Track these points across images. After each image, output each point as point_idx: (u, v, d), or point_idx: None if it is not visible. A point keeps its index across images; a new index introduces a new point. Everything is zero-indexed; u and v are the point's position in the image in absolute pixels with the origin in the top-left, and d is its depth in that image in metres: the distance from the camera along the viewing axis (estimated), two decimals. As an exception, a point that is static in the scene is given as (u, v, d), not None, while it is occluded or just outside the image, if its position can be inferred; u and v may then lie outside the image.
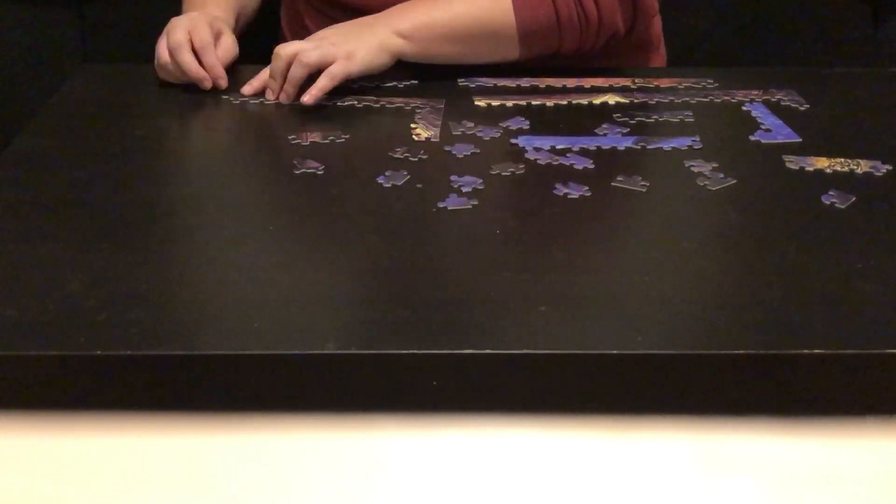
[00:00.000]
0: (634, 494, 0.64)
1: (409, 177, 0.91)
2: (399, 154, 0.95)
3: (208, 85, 1.08)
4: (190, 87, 1.12)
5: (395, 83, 1.13)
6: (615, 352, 0.66)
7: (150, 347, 0.66)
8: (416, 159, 0.94)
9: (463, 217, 0.84)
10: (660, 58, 1.29)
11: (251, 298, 0.72)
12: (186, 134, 1.02)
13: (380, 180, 0.90)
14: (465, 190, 0.88)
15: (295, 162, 0.93)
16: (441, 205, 0.85)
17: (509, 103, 1.08)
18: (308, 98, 1.04)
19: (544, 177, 0.91)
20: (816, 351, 0.66)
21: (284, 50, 1.06)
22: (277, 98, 1.07)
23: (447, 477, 0.66)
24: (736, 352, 0.66)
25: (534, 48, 1.13)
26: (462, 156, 0.96)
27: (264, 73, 1.09)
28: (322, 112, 1.05)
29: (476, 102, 1.08)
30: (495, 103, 1.08)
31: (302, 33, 1.21)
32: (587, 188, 0.88)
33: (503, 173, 0.92)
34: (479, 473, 0.66)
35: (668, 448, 0.67)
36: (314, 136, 0.99)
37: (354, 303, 0.72)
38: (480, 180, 0.90)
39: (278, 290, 0.73)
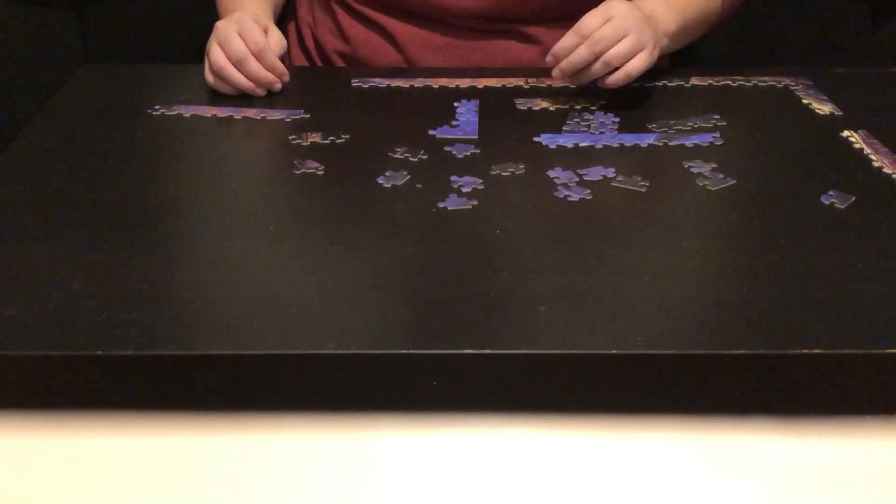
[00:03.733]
0: (634, 494, 0.65)
1: (409, 177, 0.91)
2: (399, 154, 0.95)
3: (278, 87, 1.07)
4: (190, 87, 1.12)
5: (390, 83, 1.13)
6: (615, 352, 0.66)
7: (150, 347, 0.66)
8: (416, 159, 0.94)
9: (463, 217, 0.84)
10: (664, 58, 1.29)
11: (251, 298, 0.72)
12: (186, 134, 1.02)
13: (380, 180, 0.90)
14: (464, 190, 0.88)
15: (295, 162, 0.93)
16: (441, 205, 0.85)
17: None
18: (611, 82, 1.02)
19: (545, 177, 0.91)
20: (816, 351, 0.66)
21: (582, 28, 1.01)
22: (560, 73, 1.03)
23: (447, 477, 0.66)
24: (736, 352, 0.66)
25: (722, 19, 1.19)
26: (462, 156, 0.96)
27: (561, 47, 1.02)
28: (322, 112, 1.05)
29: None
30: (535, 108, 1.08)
31: (331, 38, 1.21)
32: (589, 191, 0.88)
33: (503, 173, 0.92)
34: (479, 473, 0.66)
35: (668, 448, 0.67)
36: (314, 137, 0.99)
37: (354, 303, 0.72)
38: (480, 180, 0.90)
39: (278, 290, 0.73)
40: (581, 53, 1.00)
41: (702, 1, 1.15)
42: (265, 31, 1.07)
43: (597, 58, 1.00)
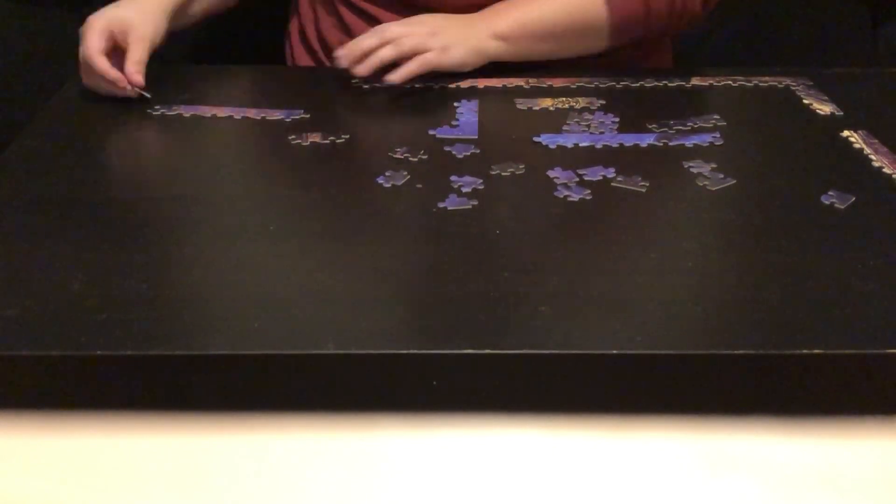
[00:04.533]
0: (634, 494, 0.64)
1: (409, 177, 0.91)
2: (399, 154, 0.95)
3: (124, 86, 1.05)
4: (190, 87, 1.12)
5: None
6: (615, 352, 0.66)
7: (150, 347, 0.66)
8: (416, 159, 0.94)
9: (463, 217, 0.84)
10: (667, 59, 1.29)
11: (251, 298, 0.72)
12: (186, 134, 1.02)
13: (380, 180, 0.90)
14: (465, 190, 0.88)
15: (295, 162, 0.93)
16: (441, 205, 0.85)
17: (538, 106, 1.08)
18: (396, 77, 1.05)
19: (545, 177, 0.91)
20: (816, 351, 0.66)
21: (384, 32, 1.06)
22: (349, 67, 1.06)
23: (447, 477, 0.66)
24: (736, 352, 0.66)
25: (622, 38, 1.14)
26: (462, 156, 0.96)
27: (364, 44, 1.07)
28: (322, 112, 1.05)
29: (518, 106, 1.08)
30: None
31: (336, 34, 1.21)
32: (589, 191, 0.88)
33: (503, 173, 0.92)
34: (479, 473, 0.66)
35: (668, 448, 0.67)
36: (314, 137, 0.99)
37: (354, 303, 0.72)
38: (480, 180, 0.90)
39: (278, 290, 0.73)
40: (367, 41, 1.07)
41: (559, 9, 1.12)
42: (122, 31, 1.05)
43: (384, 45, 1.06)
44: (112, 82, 1.04)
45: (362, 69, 1.06)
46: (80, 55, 1.04)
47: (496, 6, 1.12)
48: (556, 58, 1.15)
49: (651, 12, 1.11)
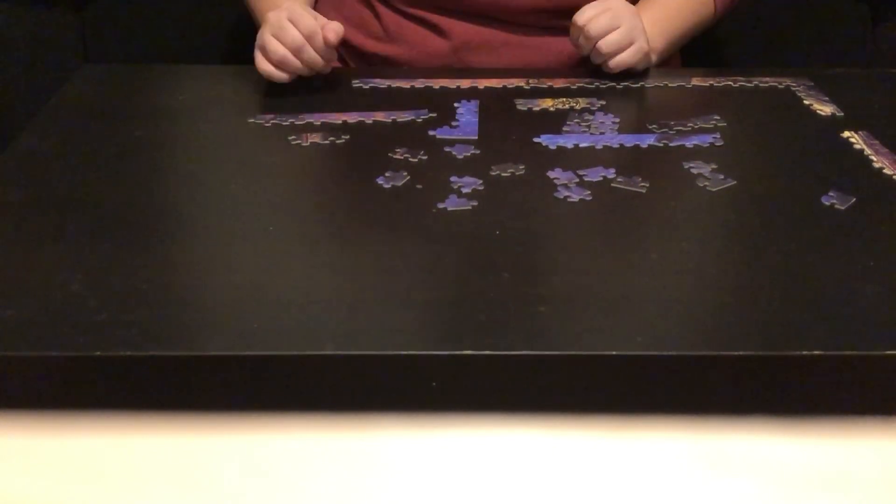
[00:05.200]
0: (634, 494, 0.64)
1: (409, 177, 0.91)
2: (399, 154, 0.95)
3: (329, 69, 1.09)
4: (190, 87, 1.12)
5: (389, 84, 1.13)
6: (615, 352, 0.66)
7: (150, 347, 0.66)
8: (416, 160, 0.94)
9: (463, 217, 0.84)
10: (675, 61, 1.29)
11: (251, 298, 0.72)
12: (186, 134, 1.02)
13: (380, 181, 0.90)
14: (464, 191, 0.88)
15: (296, 162, 0.93)
16: (441, 205, 0.85)
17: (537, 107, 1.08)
18: (613, 68, 1.12)
19: (545, 178, 0.91)
20: (816, 351, 0.66)
21: (579, 19, 1.10)
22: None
23: (447, 477, 0.66)
24: (736, 352, 0.66)
25: (718, 23, 1.23)
26: (462, 156, 0.96)
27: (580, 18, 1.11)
28: (322, 113, 1.05)
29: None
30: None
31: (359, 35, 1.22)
32: (589, 192, 0.88)
33: (503, 174, 0.92)
34: (479, 473, 0.66)
35: (668, 448, 0.67)
36: (314, 137, 0.99)
37: (354, 303, 0.72)
38: (480, 181, 0.90)
39: (278, 290, 0.73)
40: (577, 43, 1.12)
41: (692, 13, 1.21)
42: (314, 18, 1.06)
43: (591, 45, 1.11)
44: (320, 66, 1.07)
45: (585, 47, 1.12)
46: (291, 37, 1.04)
47: (650, 21, 1.16)
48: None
49: None
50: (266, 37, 1.05)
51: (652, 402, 0.68)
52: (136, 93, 1.11)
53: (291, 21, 1.04)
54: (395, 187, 0.89)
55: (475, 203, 0.86)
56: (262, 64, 1.06)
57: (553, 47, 1.18)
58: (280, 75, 1.06)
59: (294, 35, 1.04)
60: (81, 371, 0.67)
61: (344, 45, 1.23)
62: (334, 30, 1.04)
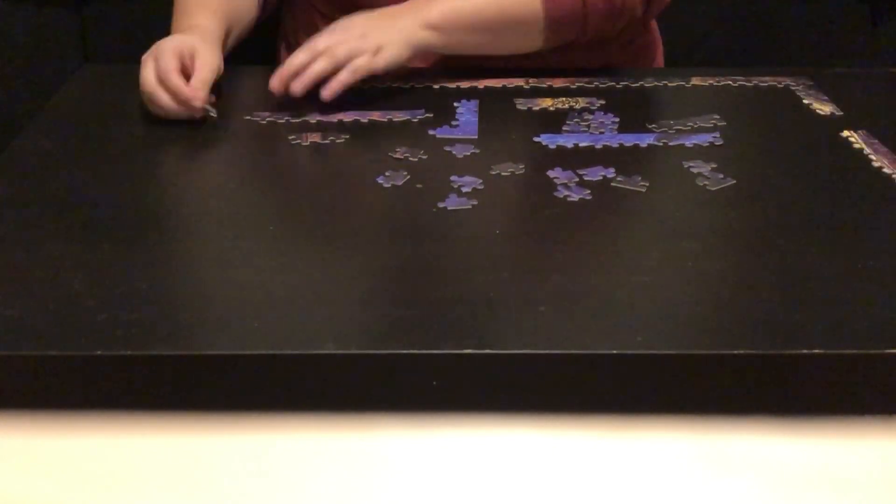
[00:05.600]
0: (634, 494, 0.64)
1: (409, 177, 0.91)
2: (399, 154, 0.95)
3: (197, 105, 1.00)
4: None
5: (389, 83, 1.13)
6: (615, 352, 0.66)
7: (150, 347, 0.66)
8: (416, 159, 0.94)
9: (463, 217, 0.84)
10: (658, 61, 1.29)
11: (251, 298, 0.72)
12: (186, 134, 1.02)
13: (380, 180, 0.90)
14: (464, 190, 0.88)
15: (296, 162, 0.93)
16: (441, 205, 0.85)
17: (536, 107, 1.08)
18: (328, 93, 1.02)
19: (545, 177, 0.91)
20: (816, 351, 0.66)
21: (314, 44, 1.03)
22: (285, 88, 1.03)
23: (447, 477, 0.66)
24: (736, 352, 0.66)
25: (558, 36, 1.11)
26: (462, 156, 0.96)
27: (295, 63, 1.03)
28: (320, 112, 1.05)
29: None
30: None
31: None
32: (588, 191, 0.88)
33: (503, 173, 0.92)
34: (479, 473, 0.66)
35: (668, 448, 0.67)
36: (314, 137, 0.99)
37: (354, 303, 0.72)
38: (480, 180, 0.90)
39: (278, 290, 0.73)
40: (298, 58, 1.03)
41: (492, 1, 1.09)
42: (191, 55, 1.03)
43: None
44: (183, 102, 1.00)
45: (297, 86, 1.02)
46: (148, 78, 1.00)
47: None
48: (489, 53, 1.13)
49: (588, 11, 1.09)
50: (144, 59, 1.03)
51: (652, 402, 0.68)
52: (136, 93, 1.11)
53: (155, 60, 1.01)
54: (395, 187, 0.89)
55: (475, 202, 0.86)
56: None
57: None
58: (154, 111, 1.03)
59: (146, 80, 1.01)
60: (81, 371, 0.67)
61: (294, 47, 1.24)
62: (200, 97, 1.00)
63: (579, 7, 1.09)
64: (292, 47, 1.25)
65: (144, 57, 1.03)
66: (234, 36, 1.16)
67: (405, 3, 1.09)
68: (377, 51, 1.03)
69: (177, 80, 1.00)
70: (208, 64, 1.03)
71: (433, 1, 1.08)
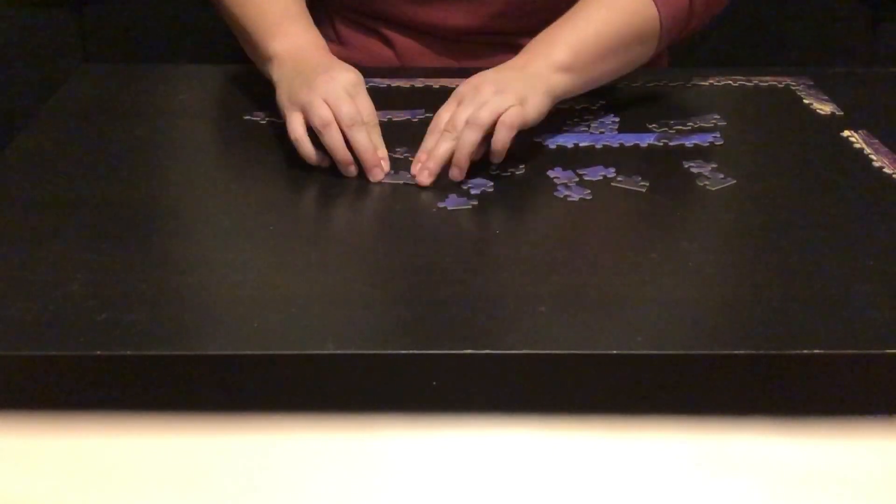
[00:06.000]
0: (634, 494, 0.64)
1: (409, 177, 0.91)
2: (399, 154, 0.95)
3: (354, 171, 0.91)
4: (189, 87, 1.12)
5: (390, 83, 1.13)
6: (615, 352, 0.66)
7: (150, 347, 0.66)
8: (509, 173, 0.94)
9: (463, 217, 0.84)
10: (663, 61, 1.29)
11: (251, 298, 0.72)
12: (186, 134, 1.02)
13: (380, 180, 0.90)
14: (473, 191, 0.88)
15: (295, 161, 0.93)
16: (441, 205, 0.85)
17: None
18: (497, 154, 0.90)
19: (545, 177, 0.91)
20: (816, 351, 0.66)
21: (454, 120, 0.89)
22: (436, 174, 0.90)
23: (447, 477, 0.66)
24: (736, 352, 0.66)
25: (668, 39, 1.04)
26: (462, 156, 0.96)
27: (441, 151, 0.89)
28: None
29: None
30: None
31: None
32: (588, 191, 0.88)
33: (503, 173, 0.92)
34: (479, 473, 0.66)
35: (668, 448, 0.67)
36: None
37: (354, 303, 0.72)
38: (491, 182, 0.89)
39: (278, 290, 0.73)
40: (442, 146, 0.89)
41: (612, 21, 0.99)
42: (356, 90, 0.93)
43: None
44: (371, 167, 0.91)
45: (458, 173, 0.89)
46: (339, 142, 0.90)
47: (548, 33, 0.98)
48: (617, 76, 1.04)
49: (694, 8, 1.03)
50: (291, 115, 0.93)
51: (652, 402, 0.68)
52: (136, 93, 1.11)
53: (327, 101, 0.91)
54: (395, 186, 0.89)
55: (475, 202, 0.86)
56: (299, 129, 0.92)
57: (494, 64, 1.14)
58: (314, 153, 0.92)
59: (322, 115, 0.90)
60: (81, 371, 0.67)
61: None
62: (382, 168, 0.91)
63: (687, 4, 1.03)
64: None
65: (313, 102, 0.91)
66: None
67: (525, 53, 0.97)
68: (522, 101, 0.90)
69: (370, 148, 0.91)
70: (372, 112, 0.93)
71: (556, 42, 0.97)
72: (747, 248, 0.81)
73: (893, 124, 1.03)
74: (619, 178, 0.90)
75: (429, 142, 0.91)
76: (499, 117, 0.88)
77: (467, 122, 0.88)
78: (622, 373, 0.67)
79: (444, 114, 0.91)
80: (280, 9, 1.04)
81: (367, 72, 0.99)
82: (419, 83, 1.14)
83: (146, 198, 0.88)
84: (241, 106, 1.07)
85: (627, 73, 1.05)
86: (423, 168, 0.89)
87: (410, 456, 0.67)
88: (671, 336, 0.69)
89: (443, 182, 0.89)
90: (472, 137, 0.88)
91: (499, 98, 0.89)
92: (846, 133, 1.01)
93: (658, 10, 1.01)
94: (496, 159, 0.90)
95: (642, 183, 0.90)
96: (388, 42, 1.19)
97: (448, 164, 0.89)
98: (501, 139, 0.88)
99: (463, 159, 0.89)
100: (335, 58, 0.99)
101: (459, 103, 0.91)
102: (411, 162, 0.93)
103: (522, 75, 0.93)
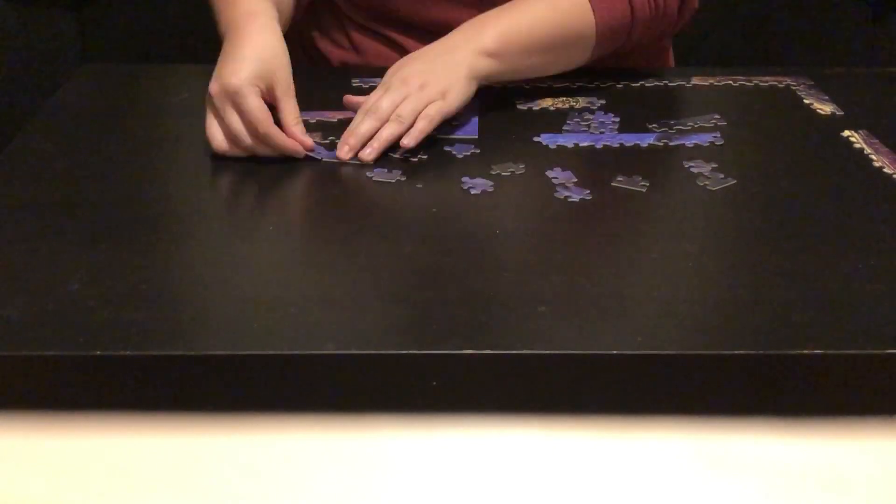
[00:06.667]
0: (634, 494, 0.65)
1: (408, 177, 0.91)
2: (399, 154, 0.95)
3: (299, 154, 0.94)
4: (189, 87, 1.12)
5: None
6: (615, 352, 0.66)
7: (150, 347, 0.66)
8: (416, 159, 0.94)
9: (463, 217, 0.84)
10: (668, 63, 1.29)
11: (251, 298, 0.72)
12: (186, 134, 1.02)
13: (380, 180, 0.90)
14: (473, 192, 0.88)
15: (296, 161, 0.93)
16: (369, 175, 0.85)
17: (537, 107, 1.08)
18: (408, 142, 0.94)
19: (545, 177, 0.91)
20: (816, 351, 0.66)
21: (377, 106, 0.95)
22: (355, 154, 0.94)
23: (447, 477, 0.66)
24: (736, 352, 0.66)
25: (604, 48, 1.08)
26: (462, 156, 0.96)
27: (363, 130, 0.95)
28: (320, 111, 1.05)
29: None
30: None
31: (342, 43, 1.21)
32: (588, 191, 0.88)
33: (503, 173, 0.92)
34: (479, 473, 0.66)
35: (668, 448, 0.67)
36: (315, 136, 0.99)
37: (354, 303, 0.72)
38: (491, 183, 0.89)
39: (278, 290, 0.73)
40: (364, 124, 0.95)
41: (547, 18, 1.03)
42: (269, 88, 0.94)
43: (383, 123, 0.95)
44: (293, 153, 0.93)
45: (371, 154, 0.94)
46: (218, 138, 0.93)
47: (480, 18, 1.03)
48: (545, 73, 1.09)
49: (636, 17, 1.06)
50: (218, 101, 0.93)
51: (652, 402, 0.68)
52: (136, 93, 1.11)
53: (238, 112, 0.92)
54: (395, 186, 0.89)
55: (475, 203, 0.86)
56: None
57: None
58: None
59: (235, 128, 0.92)
60: (81, 371, 0.67)
61: (314, 52, 1.24)
62: (308, 144, 0.95)
63: (628, 14, 1.06)
64: (308, 52, 1.25)
65: (218, 98, 0.92)
66: (282, 22, 1.05)
67: (456, 34, 1.02)
68: (444, 95, 0.97)
69: (280, 136, 0.93)
70: (290, 93, 0.95)
71: (486, 26, 1.02)
72: (747, 248, 0.81)
73: (893, 124, 1.03)
74: (619, 178, 0.90)
75: (353, 123, 0.96)
76: (419, 113, 0.95)
77: (392, 118, 0.95)
78: (622, 373, 0.67)
79: (371, 100, 0.97)
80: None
81: (380, 73, 1.01)
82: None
83: (146, 198, 0.88)
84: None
85: (641, 74, 1.08)
86: (344, 144, 0.95)
87: (410, 456, 0.67)
88: (671, 336, 0.69)
89: (443, 181, 0.89)
90: (393, 132, 0.95)
91: (422, 93, 0.96)
92: (846, 133, 1.01)
93: (595, 17, 1.05)
94: (407, 141, 0.94)
95: (643, 183, 0.90)
96: (398, 46, 1.19)
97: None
98: (420, 129, 0.95)
99: (379, 146, 0.95)
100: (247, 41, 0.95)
101: (386, 91, 0.97)
102: (411, 162, 0.93)
103: (446, 62, 0.99)
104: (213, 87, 0.93)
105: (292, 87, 0.96)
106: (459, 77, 0.98)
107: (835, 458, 0.66)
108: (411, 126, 0.95)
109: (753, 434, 0.67)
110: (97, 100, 1.10)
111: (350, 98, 1.03)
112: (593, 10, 1.05)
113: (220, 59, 0.96)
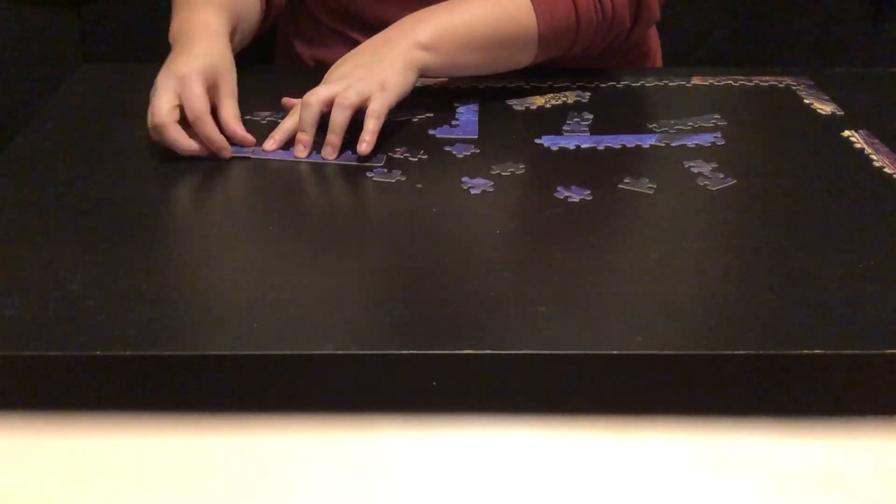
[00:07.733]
0: (634, 494, 0.64)
1: (408, 177, 0.91)
2: (399, 154, 0.95)
3: (226, 155, 0.95)
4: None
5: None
6: (615, 352, 0.66)
7: (150, 347, 0.66)
8: (416, 159, 0.94)
9: (463, 217, 0.84)
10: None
11: (251, 298, 0.72)
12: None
13: (379, 180, 0.90)
14: (473, 192, 0.88)
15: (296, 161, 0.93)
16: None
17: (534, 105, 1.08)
18: (366, 147, 0.94)
19: (545, 177, 0.91)
20: (816, 351, 0.66)
21: (315, 97, 0.96)
22: (310, 153, 0.96)
23: (447, 477, 0.66)
24: (736, 352, 0.66)
25: (549, 51, 1.09)
26: (462, 156, 0.96)
27: (287, 125, 0.98)
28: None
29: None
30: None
31: (319, 51, 1.21)
32: (588, 192, 0.88)
33: (503, 173, 0.92)
34: (479, 473, 0.66)
35: (668, 448, 0.67)
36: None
37: (354, 303, 0.72)
38: (491, 182, 0.89)
39: (278, 290, 0.73)
40: (290, 119, 0.98)
41: (487, 17, 1.04)
42: (214, 84, 0.97)
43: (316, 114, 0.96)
44: (219, 149, 0.95)
45: (330, 151, 0.95)
46: (164, 109, 0.93)
47: (419, 14, 1.04)
48: (485, 71, 1.09)
49: (581, 22, 1.06)
50: (153, 99, 0.94)
51: (652, 402, 0.68)
52: (136, 93, 1.11)
53: (177, 96, 0.94)
54: (395, 186, 0.89)
55: (475, 203, 0.86)
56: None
57: None
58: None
59: (160, 117, 0.93)
60: (81, 371, 0.67)
61: (291, 51, 1.26)
62: (230, 150, 0.95)
63: (573, 20, 1.07)
64: (290, 55, 1.26)
65: (163, 80, 0.95)
66: (237, 39, 1.11)
67: (394, 28, 1.04)
68: (383, 87, 0.97)
69: (211, 127, 0.94)
70: (233, 94, 0.98)
71: (423, 21, 1.03)
72: (748, 248, 0.81)
73: (893, 124, 1.03)
74: (626, 180, 0.90)
75: (306, 115, 0.96)
76: (364, 100, 0.95)
77: (337, 104, 0.95)
78: (622, 373, 0.67)
79: (319, 92, 0.97)
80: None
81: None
82: (419, 83, 1.14)
83: (146, 198, 0.88)
84: (241, 106, 1.07)
85: (611, 73, 1.08)
86: (270, 138, 0.97)
87: (410, 456, 0.67)
88: (671, 336, 0.69)
89: (443, 181, 0.89)
90: (340, 118, 0.95)
91: (363, 85, 0.96)
92: (846, 133, 1.01)
93: (537, 18, 1.05)
94: (363, 148, 0.94)
95: (650, 185, 0.90)
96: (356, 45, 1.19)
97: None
98: (371, 129, 0.94)
99: (335, 139, 0.95)
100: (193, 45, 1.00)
101: (329, 85, 0.97)
102: (412, 162, 0.93)
103: (383, 55, 1.00)
104: (161, 74, 0.96)
105: (236, 92, 0.99)
106: (396, 68, 0.99)
107: (835, 458, 0.66)
108: (352, 113, 0.95)
109: (753, 434, 0.67)
110: (97, 100, 1.10)
111: (288, 100, 1.04)
112: (535, 12, 1.05)
113: (168, 59, 0.99)
